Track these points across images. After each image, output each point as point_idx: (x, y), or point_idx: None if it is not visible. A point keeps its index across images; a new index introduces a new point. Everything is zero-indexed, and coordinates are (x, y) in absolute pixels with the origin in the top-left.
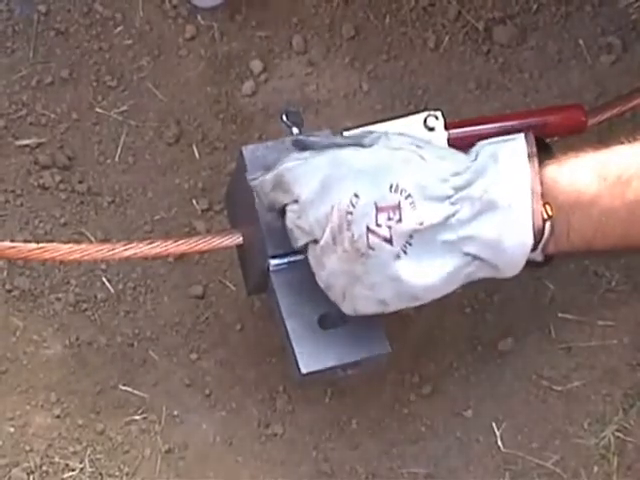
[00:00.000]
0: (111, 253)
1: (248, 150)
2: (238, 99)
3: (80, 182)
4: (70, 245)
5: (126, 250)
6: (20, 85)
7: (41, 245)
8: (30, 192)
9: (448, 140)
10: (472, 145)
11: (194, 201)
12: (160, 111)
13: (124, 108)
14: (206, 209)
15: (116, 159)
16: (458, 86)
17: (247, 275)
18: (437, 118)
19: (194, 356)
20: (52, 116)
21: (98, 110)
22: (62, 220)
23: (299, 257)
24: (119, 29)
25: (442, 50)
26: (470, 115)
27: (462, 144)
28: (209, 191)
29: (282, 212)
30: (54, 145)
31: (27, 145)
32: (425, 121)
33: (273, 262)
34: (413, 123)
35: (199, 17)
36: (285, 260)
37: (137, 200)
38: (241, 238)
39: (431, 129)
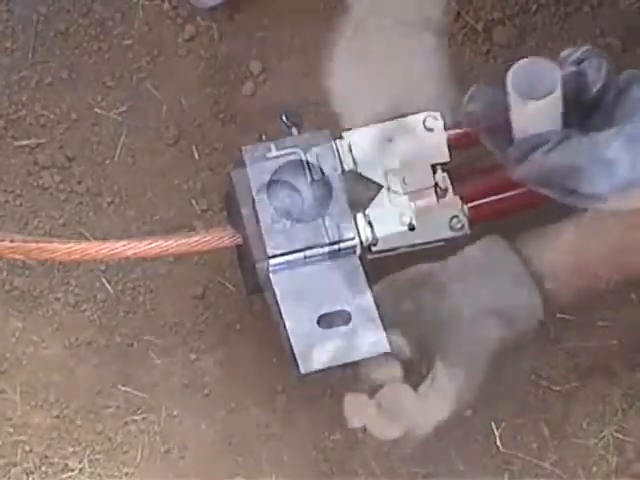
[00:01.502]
0: (111, 253)
1: (247, 150)
2: (237, 100)
3: (79, 182)
4: (70, 244)
5: (125, 250)
6: (19, 85)
7: (40, 245)
8: (29, 192)
9: (448, 140)
10: (471, 144)
11: (193, 201)
12: (159, 112)
13: (123, 109)
14: (205, 209)
15: (115, 159)
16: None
17: (246, 275)
18: (436, 119)
19: (193, 356)
20: (51, 116)
21: (97, 110)
22: (61, 220)
23: (298, 256)
24: (118, 29)
25: None
26: None
27: (461, 144)
28: (208, 192)
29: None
30: (53, 145)
31: (26, 145)
32: (424, 122)
33: (272, 262)
34: (412, 123)
35: (198, 18)
36: (284, 259)
37: (136, 201)
38: (240, 238)
39: (430, 130)
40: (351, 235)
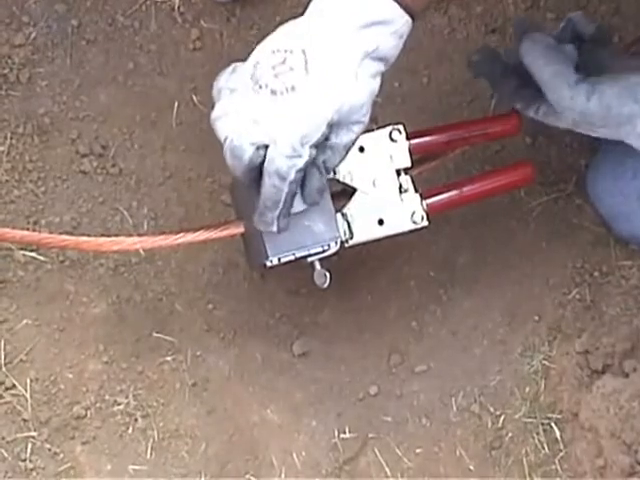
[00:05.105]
0: (125, 247)
1: None
2: None
3: (113, 166)
4: (85, 239)
5: (134, 245)
6: (61, 87)
7: (64, 237)
8: (73, 177)
9: (409, 148)
10: (429, 152)
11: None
12: (171, 108)
13: (136, 106)
14: (214, 205)
15: (142, 147)
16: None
17: (248, 255)
18: (400, 132)
19: (210, 307)
20: (88, 112)
21: (126, 106)
22: (100, 199)
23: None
24: (137, 35)
25: None
26: None
27: (421, 150)
28: (218, 188)
29: None
30: (91, 136)
31: (69, 137)
32: (390, 134)
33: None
34: (380, 136)
35: (207, 17)
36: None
37: (151, 193)
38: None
39: (394, 141)
40: None
